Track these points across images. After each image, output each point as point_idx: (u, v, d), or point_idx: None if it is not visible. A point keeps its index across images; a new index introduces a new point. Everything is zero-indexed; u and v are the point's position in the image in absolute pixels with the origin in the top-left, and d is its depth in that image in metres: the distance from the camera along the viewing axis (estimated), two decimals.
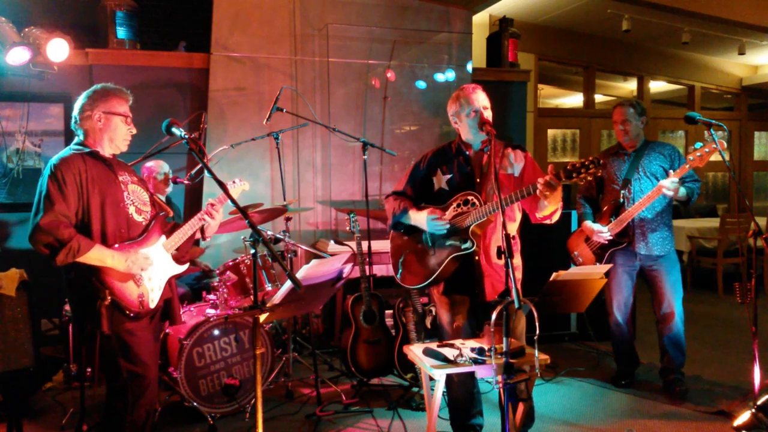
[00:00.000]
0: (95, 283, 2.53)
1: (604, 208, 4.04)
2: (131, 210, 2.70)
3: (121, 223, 2.65)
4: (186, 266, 2.89)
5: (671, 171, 3.75)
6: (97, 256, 2.51)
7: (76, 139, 2.74)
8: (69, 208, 2.52)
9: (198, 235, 2.88)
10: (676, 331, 3.93)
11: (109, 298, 2.52)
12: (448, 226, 3.03)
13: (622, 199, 3.93)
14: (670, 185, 3.62)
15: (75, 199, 2.54)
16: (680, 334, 3.94)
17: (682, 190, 3.72)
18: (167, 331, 3.79)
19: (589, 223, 4.05)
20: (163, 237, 2.78)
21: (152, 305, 2.69)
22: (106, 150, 2.72)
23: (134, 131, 2.78)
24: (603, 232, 3.95)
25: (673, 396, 3.91)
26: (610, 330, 4.20)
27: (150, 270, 2.67)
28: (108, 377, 2.68)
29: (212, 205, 2.84)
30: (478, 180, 3.10)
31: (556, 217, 3.03)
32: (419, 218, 3.11)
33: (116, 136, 2.72)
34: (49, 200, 2.50)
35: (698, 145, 3.53)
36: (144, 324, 2.68)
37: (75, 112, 2.71)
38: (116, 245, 2.59)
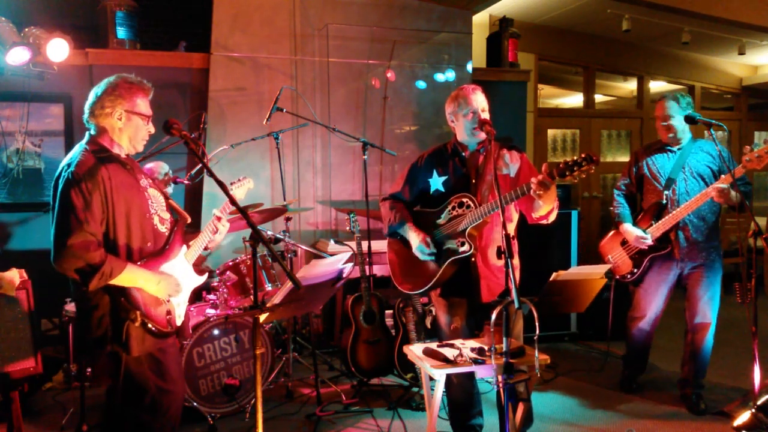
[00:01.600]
0: (124, 304, 2.36)
1: (645, 209, 3.81)
2: (155, 220, 2.52)
3: (147, 236, 2.48)
4: (205, 276, 2.77)
5: (720, 175, 3.51)
6: (129, 277, 2.34)
7: (87, 136, 2.49)
8: (97, 224, 2.31)
9: None
10: (705, 344, 3.74)
11: (140, 318, 2.37)
12: (432, 257, 3.07)
13: (665, 201, 3.68)
14: (720, 190, 3.39)
15: (101, 213, 2.33)
16: (708, 348, 3.76)
17: (735, 195, 3.42)
18: None
19: (629, 227, 3.78)
20: (185, 247, 2.64)
21: (179, 322, 2.56)
22: (123, 150, 2.53)
23: (153, 131, 2.59)
24: (645, 239, 3.69)
25: (691, 411, 3.75)
26: (630, 334, 4.00)
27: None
28: (130, 395, 2.48)
29: (218, 218, 2.68)
30: (473, 181, 3.10)
31: (552, 217, 3.01)
32: (412, 240, 3.14)
33: (135, 136, 2.52)
34: (77, 217, 2.27)
35: (756, 145, 3.35)
36: (172, 340, 2.57)
37: (91, 105, 2.46)
38: (139, 262, 2.43)
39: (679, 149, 3.75)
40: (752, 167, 3.35)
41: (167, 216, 2.62)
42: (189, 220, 2.74)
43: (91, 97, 2.48)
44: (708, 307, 3.71)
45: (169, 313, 2.50)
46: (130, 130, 2.49)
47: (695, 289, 3.72)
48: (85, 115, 2.50)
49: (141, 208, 2.47)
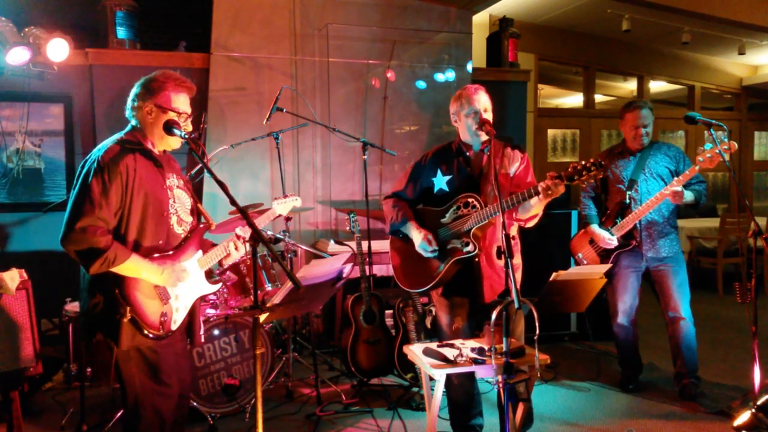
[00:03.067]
0: (117, 297, 2.33)
1: (610, 209, 4.00)
2: (173, 220, 2.49)
3: (160, 234, 2.45)
4: (218, 286, 2.71)
5: (677, 175, 3.72)
6: (132, 267, 2.32)
7: (128, 126, 2.51)
8: (110, 212, 2.31)
9: None
10: (686, 333, 3.85)
11: (129, 315, 2.32)
12: (435, 254, 3.06)
13: (628, 200, 3.89)
14: (674, 193, 3.62)
15: (117, 202, 2.33)
16: (691, 336, 3.86)
17: (689, 195, 3.69)
18: None
19: (596, 229, 3.99)
20: (200, 252, 2.60)
21: (174, 327, 2.48)
22: (157, 146, 2.51)
23: (190, 128, 2.53)
24: (612, 240, 3.90)
25: (686, 399, 3.84)
26: (614, 333, 4.14)
27: (180, 286, 2.49)
28: (121, 391, 2.47)
29: (239, 236, 2.63)
30: (478, 181, 3.10)
31: (531, 224, 3.08)
32: (414, 237, 3.14)
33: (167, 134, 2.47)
34: (91, 202, 2.27)
35: (708, 146, 3.51)
36: (166, 342, 2.47)
37: (131, 99, 2.49)
38: (148, 258, 2.39)
39: (639, 152, 3.95)
40: (705, 167, 3.57)
41: (189, 219, 2.59)
42: (213, 227, 2.70)
43: (132, 92, 2.50)
44: (680, 294, 3.87)
45: (164, 315, 2.44)
46: (160, 126, 2.46)
47: (665, 280, 3.90)
48: (127, 110, 2.51)
49: (159, 206, 2.45)
